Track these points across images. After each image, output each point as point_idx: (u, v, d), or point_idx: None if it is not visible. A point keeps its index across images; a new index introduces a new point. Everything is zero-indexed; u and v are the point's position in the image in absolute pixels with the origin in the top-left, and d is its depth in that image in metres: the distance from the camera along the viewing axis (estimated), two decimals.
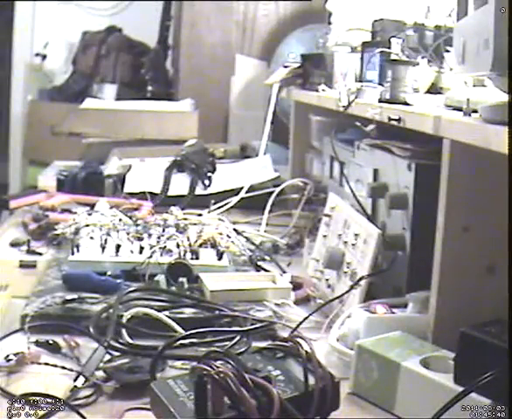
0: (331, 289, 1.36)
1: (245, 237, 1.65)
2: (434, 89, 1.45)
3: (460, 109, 1.10)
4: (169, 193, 2.04)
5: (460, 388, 0.85)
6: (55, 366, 1.02)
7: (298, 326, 1.17)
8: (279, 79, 2.14)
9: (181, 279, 1.32)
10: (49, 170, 2.49)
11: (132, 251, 1.43)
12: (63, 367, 1.02)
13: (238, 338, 1.11)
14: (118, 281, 1.32)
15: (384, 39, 1.53)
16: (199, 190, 2.07)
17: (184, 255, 1.41)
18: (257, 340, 1.11)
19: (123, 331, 1.11)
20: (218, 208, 1.92)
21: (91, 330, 1.09)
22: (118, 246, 1.42)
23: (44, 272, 1.40)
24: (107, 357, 1.04)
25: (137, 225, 1.55)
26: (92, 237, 1.47)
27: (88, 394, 0.95)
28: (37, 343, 1.09)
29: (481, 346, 0.86)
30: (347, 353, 1.08)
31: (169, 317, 1.17)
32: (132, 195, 1.97)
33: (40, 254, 1.55)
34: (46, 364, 1.03)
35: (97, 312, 1.16)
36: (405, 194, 1.26)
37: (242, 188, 2.04)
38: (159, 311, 1.18)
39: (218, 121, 3.02)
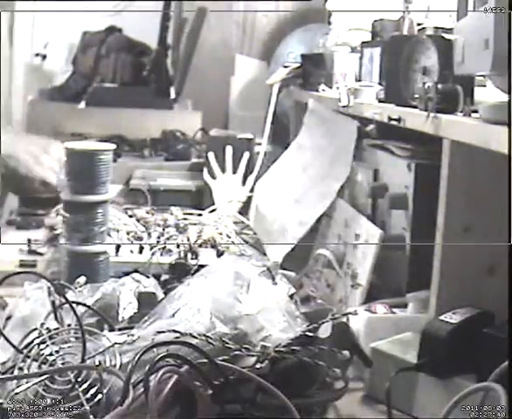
0: (331, 289, 1.36)
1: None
2: None
3: None
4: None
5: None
6: None
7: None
8: (279, 79, 2.14)
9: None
10: None
11: (132, 251, 1.43)
12: None
13: None
14: None
15: (383, 39, 1.53)
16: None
17: (185, 255, 1.41)
18: None
19: None
20: None
21: None
22: (118, 246, 1.42)
23: (44, 272, 1.40)
24: None
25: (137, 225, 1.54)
26: None
27: None
28: None
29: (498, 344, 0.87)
30: None
31: None
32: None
33: (40, 254, 1.55)
34: None
35: None
36: (405, 194, 1.26)
37: None
38: None
39: (218, 121, 3.01)
